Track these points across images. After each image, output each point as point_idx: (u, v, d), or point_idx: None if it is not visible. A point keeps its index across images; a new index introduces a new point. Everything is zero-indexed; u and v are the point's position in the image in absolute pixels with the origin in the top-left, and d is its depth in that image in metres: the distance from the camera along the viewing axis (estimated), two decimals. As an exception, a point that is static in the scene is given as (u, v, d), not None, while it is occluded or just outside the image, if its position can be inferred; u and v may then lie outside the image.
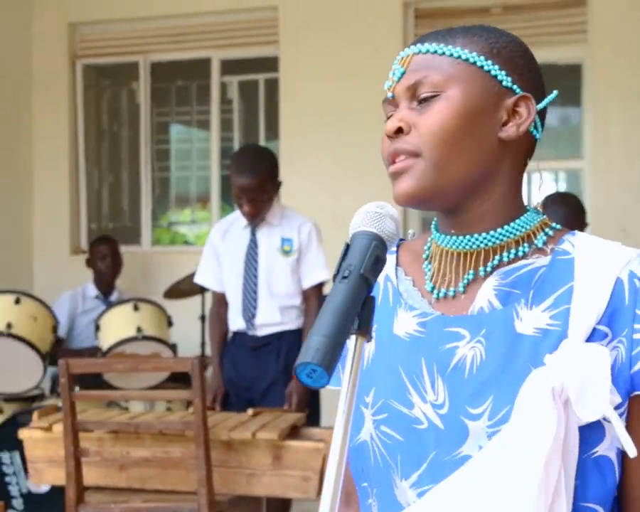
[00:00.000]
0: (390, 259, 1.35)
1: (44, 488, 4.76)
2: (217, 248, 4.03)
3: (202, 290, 5.38)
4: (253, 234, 3.98)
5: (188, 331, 5.55)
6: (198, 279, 4.13)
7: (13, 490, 4.80)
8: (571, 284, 1.21)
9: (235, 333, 4.02)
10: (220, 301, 4.07)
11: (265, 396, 3.93)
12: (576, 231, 1.31)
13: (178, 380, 5.40)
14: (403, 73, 1.27)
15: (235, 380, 3.96)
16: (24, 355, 4.83)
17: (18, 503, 4.79)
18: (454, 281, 1.28)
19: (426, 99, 1.24)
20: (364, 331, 1.10)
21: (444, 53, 1.25)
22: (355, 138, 5.77)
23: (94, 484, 3.38)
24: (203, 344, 5.47)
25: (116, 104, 6.68)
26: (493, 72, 1.25)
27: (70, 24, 6.31)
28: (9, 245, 6.24)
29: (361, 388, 1.28)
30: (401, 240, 1.40)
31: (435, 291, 1.29)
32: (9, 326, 4.78)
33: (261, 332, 3.94)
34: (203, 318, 5.45)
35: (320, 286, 3.99)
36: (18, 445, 4.74)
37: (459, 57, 1.25)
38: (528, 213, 1.29)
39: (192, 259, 5.96)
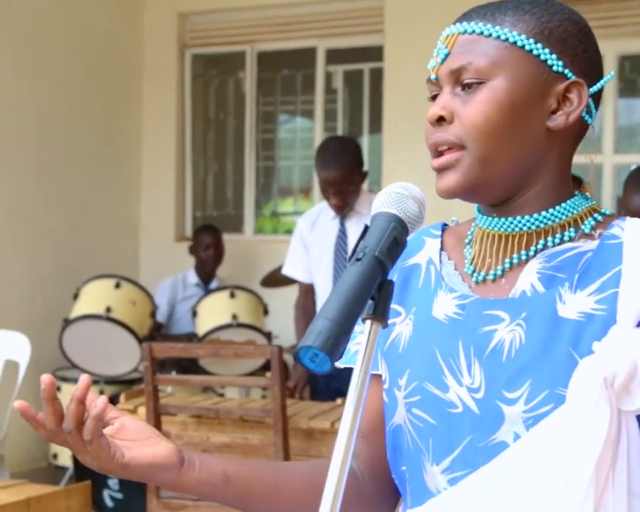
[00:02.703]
0: (435, 242, 1.32)
1: (139, 469, 4.84)
2: (305, 239, 4.02)
3: (299, 279, 5.38)
4: (342, 224, 3.96)
5: (286, 320, 5.55)
6: (286, 271, 4.13)
7: (110, 470, 4.89)
8: (619, 268, 1.16)
9: (325, 323, 4.00)
10: (307, 292, 4.06)
11: (355, 385, 3.89)
12: (627, 217, 1.23)
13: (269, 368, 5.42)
14: (447, 54, 1.22)
15: (325, 369, 3.93)
16: (122, 339, 4.94)
17: (113, 482, 4.89)
18: (495, 264, 1.24)
19: (470, 86, 1.19)
20: (380, 316, 1.06)
21: (490, 35, 1.19)
22: None
23: (177, 467, 3.39)
24: (299, 333, 5.46)
25: (223, 94, 6.70)
26: (543, 57, 1.19)
27: (179, 14, 6.40)
28: (117, 232, 6.36)
29: (395, 371, 1.26)
30: (445, 224, 1.36)
31: (475, 275, 1.25)
32: (109, 309, 4.89)
33: (350, 322, 3.91)
34: (300, 307, 5.44)
35: None
36: (115, 426, 4.86)
37: (507, 39, 1.19)
38: (576, 198, 1.23)
39: None
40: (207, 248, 5.68)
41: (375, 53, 6.03)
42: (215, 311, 5.05)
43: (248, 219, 6.47)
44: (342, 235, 3.95)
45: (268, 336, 5.06)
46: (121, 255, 6.33)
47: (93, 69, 6.07)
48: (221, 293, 5.13)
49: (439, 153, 1.21)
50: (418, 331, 1.25)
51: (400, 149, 5.79)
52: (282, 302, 5.51)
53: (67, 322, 4.92)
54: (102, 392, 5.24)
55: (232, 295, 5.09)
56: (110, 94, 6.24)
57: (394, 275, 1.28)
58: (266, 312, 5.20)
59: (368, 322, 1.05)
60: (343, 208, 3.87)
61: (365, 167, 4.04)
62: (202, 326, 5.04)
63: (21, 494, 3.17)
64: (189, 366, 5.14)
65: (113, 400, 4.89)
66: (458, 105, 1.20)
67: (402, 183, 1.15)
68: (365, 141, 6.26)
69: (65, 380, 5.31)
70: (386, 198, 1.14)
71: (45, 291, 5.72)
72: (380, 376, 1.29)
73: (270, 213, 6.73)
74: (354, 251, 1.09)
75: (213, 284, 5.73)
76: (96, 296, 4.94)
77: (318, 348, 1.00)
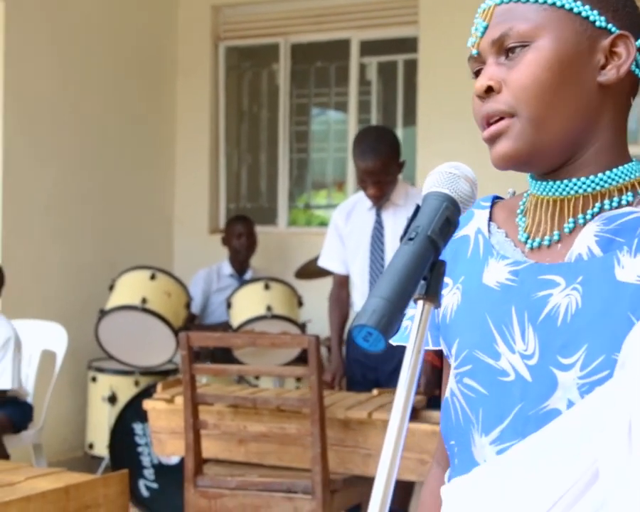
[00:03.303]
0: (483, 213, 1.29)
1: (174, 459, 4.87)
2: (340, 230, 4.01)
3: (333, 271, 5.38)
4: (378, 215, 3.94)
5: (320, 312, 5.55)
6: (321, 262, 4.12)
7: (145, 460, 4.93)
8: None
9: (361, 315, 3.99)
10: (342, 284, 4.05)
11: (392, 377, 3.89)
12: None
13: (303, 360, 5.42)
14: (486, 27, 1.20)
15: (362, 359, 3.93)
16: (158, 329, 4.95)
17: (149, 472, 4.92)
18: (550, 230, 1.21)
19: (513, 50, 1.17)
20: (432, 296, 1.04)
21: (527, 0, 1.17)
22: None
23: (214, 457, 3.42)
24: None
25: (257, 86, 6.71)
26: (584, 14, 1.16)
27: (213, 7, 6.42)
28: (151, 224, 6.39)
29: (444, 342, 1.24)
30: (496, 197, 1.34)
31: (529, 241, 1.22)
32: (144, 301, 4.91)
33: (387, 313, 3.89)
34: (335, 299, 5.43)
35: None
36: (150, 417, 4.88)
37: (545, 2, 1.16)
38: (634, 163, 1.21)
39: None
40: (239, 237, 5.68)
41: (409, 45, 6.00)
42: (249, 303, 5.05)
43: (282, 211, 6.47)
44: (378, 226, 3.94)
45: (302, 327, 5.06)
46: (156, 247, 6.37)
47: (130, 63, 6.12)
48: (255, 284, 5.13)
49: (489, 125, 1.20)
50: (467, 300, 1.23)
51: (434, 142, 5.76)
52: (316, 294, 5.51)
53: (103, 313, 4.94)
54: (137, 383, 5.28)
55: (267, 287, 5.09)
56: (146, 87, 6.28)
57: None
58: (300, 304, 5.20)
59: (420, 302, 1.03)
60: (380, 198, 3.86)
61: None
62: (236, 318, 5.04)
63: (59, 482, 3.19)
64: (223, 358, 5.15)
65: (149, 390, 4.92)
66: (504, 73, 1.17)
67: (454, 163, 1.14)
68: (399, 134, 6.19)
69: (100, 370, 5.34)
70: (438, 178, 1.12)
71: (82, 282, 5.76)
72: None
73: (303, 206, 6.72)
74: (406, 231, 1.08)
75: (248, 275, 5.74)
76: (132, 287, 4.96)
77: (372, 326, 0.99)
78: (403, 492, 3.96)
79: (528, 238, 1.23)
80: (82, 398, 5.52)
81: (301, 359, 5.37)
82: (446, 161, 1.15)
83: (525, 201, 1.27)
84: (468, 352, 1.21)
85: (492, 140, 1.20)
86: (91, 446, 5.36)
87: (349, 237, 3.99)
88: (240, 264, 5.75)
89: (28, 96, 5.46)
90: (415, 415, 3.33)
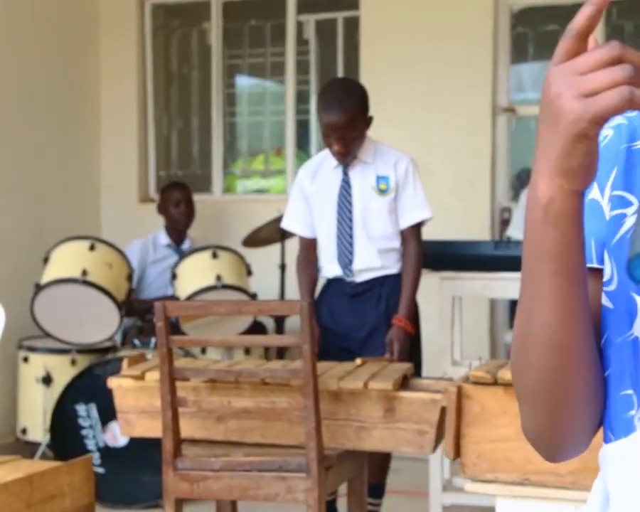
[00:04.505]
0: None
1: (122, 441, 4.58)
2: (306, 191, 3.76)
3: (282, 238, 5.14)
4: (345, 173, 3.71)
5: (267, 281, 5.30)
6: (285, 225, 3.86)
7: (90, 444, 4.61)
8: None
9: (330, 280, 3.76)
10: (309, 247, 3.80)
11: (364, 345, 3.68)
12: None
13: (256, 331, 5.17)
14: None
15: (332, 327, 3.70)
16: (99, 304, 4.63)
17: (94, 457, 4.61)
18: None
19: None
20: None
21: None
22: (445, 80, 5.49)
23: (190, 436, 3.15)
24: (282, 295, 5.21)
25: (187, 46, 6.38)
26: None
27: (138, -38, 6.06)
28: (77, 193, 6.05)
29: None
30: None
31: None
32: (84, 273, 4.58)
33: (360, 278, 3.68)
34: (282, 267, 5.20)
35: (419, 226, 3.71)
36: (94, 397, 4.56)
37: None
38: None
39: (266, 207, 5.75)
40: (177, 204, 5.40)
41: (349, 1, 5.78)
42: (197, 273, 4.77)
43: (216, 178, 6.21)
44: (345, 184, 3.70)
45: (254, 297, 4.80)
46: (82, 217, 6.05)
47: (48, 22, 5.75)
48: (203, 253, 4.84)
49: None
50: None
51: (376, 103, 5.52)
52: (263, 263, 5.27)
53: (39, 287, 4.58)
54: (73, 362, 4.94)
55: (215, 255, 4.81)
56: (66, 48, 5.91)
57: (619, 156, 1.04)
58: (249, 273, 4.93)
59: None
60: (347, 155, 3.62)
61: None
62: (184, 289, 4.75)
63: (19, 471, 2.89)
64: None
65: (93, 369, 4.60)
66: None
67: None
68: None
69: (32, 349, 4.99)
70: None
71: (8, 253, 5.37)
72: (599, 273, 1.04)
73: (239, 172, 6.43)
74: None
75: (185, 245, 5.47)
76: (70, 259, 4.62)
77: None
78: (379, 466, 3.76)
79: None
80: (12, 380, 5.14)
81: (254, 330, 5.12)
82: (394, 123, 0.93)
83: None
84: None
85: None
86: (24, 431, 5.00)
87: (315, 197, 3.74)
88: (178, 233, 5.47)
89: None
90: (406, 384, 3.13)
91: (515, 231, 4.97)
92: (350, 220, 3.66)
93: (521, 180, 5.97)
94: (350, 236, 3.66)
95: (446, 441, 2.68)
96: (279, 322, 5.20)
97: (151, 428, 3.18)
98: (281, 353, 5.10)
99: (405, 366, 3.26)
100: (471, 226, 5.47)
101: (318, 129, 6.22)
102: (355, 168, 3.70)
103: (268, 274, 5.34)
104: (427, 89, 5.53)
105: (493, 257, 4.36)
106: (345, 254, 3.67)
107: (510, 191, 5.76)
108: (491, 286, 4.37)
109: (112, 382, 3.23)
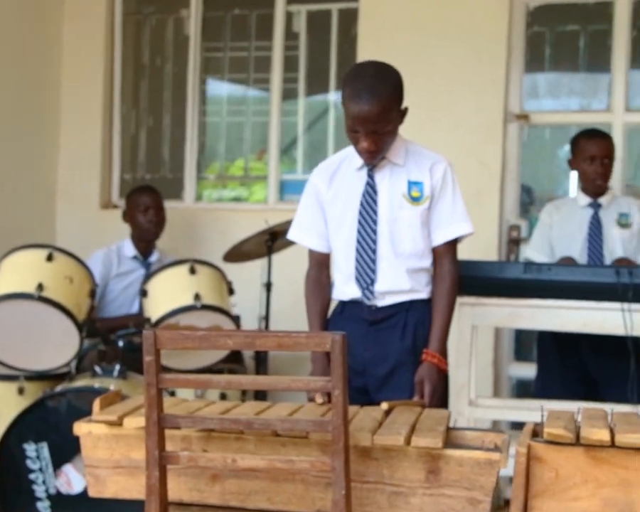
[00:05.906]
0: None
1: (77, 488, 3.91)
2: (321, 197, 3.13)
3: (269, 253, 4.52)
4: (370, 177, 3.09)
5: (247, 302, 4.68)
6: (293, 236, 3.21)
7: (39, 490, 3.92)
8: None
9: (345, 303, 3.12)
10: (322, 264, 3.17)
11: (384, 384, 3.06)
12: None
13: (230, 360, 4.56)
14: None
15: (348, 362, 3.05)
16: (57, 323, 3.96)
17: (43, 506, 3.93)
18: None
19: None
20: None
21: None
22: (452, 81, 5.02)
23: (177, 499, 2.50)
24: (267, 318, 4.57)
25: (161, 36, 5.96)
26: None
27: (108, -61, 5.62)
28: (30, 197, 5.51)
29: None
30: None
31: None
32: (40, 287, 3.90)
33: (382, 302, 3.05)
34: (268, 285, 4.56)
35: (455, 242, 3.11)
36: (46, 435, 3.90)
37: None
38: None
39: (244, 217, 5.27)
40: (146, 211, 4.85)
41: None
42: (172, 291, 4.13)
43: (189, 183, 5.75)
44: (370, 190, 3.08)
45: (236, 320, 4.16)
46: (35, 223, 5.58)
47: (2, 2, 5.21)
48: (179, 268, 4.20)
49: None
50: None
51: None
52: (243, 281, 4.65)
53: (-14, 303, 3.90)
54: (21, 391, 4.26)
55: (193, 270, 4.17)
56: (24, 31, 5.40)
57: None
58: (231, 292, 4.29)
59: None
60: (376, 153, 3.01)
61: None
62: (155, 309, 4.11)
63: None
64: (131, 358, 4.21)
65: (45, 402, 3.92)
66: None
67: None
68: (331, 97, 5.57)
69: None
70: None
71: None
72: None
73: (216, 177, 5.92)
74: None
75: (153, 257, 4.89)
76: (24, 271, 3.96)
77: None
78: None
79: None
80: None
81: (231, 359, 4.50)
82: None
83: None
84: None
85: None
86: None
87: (332, 203, 3.11)
88: (146, 244, 4.89)
89: None
90: (450, 438, 2.51)
91: (534, 252, 4.40)
92: (374, 232, 3.04)
93: (531, 196, 5.46)
94: (374, 251, 3.04)
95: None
96: (259, 352, 4.56)
97: (127, 488, 2.52)
98: (259, 392, 4.45)
99: (443, 414, 2.65)
100: (477, 245, 4.89)
101: (305, 131, 5.79)
102: (383, 171, 3.09)
103: (249, 293, 4.73)
104: (431, 91, 5.05)
105: (522, 280, 3.80)
106: (367, 272, 3.04)
107: (520, 207, 5.23)
108: (519, 314, 3.80)
109: (80, 429, 2.56)
